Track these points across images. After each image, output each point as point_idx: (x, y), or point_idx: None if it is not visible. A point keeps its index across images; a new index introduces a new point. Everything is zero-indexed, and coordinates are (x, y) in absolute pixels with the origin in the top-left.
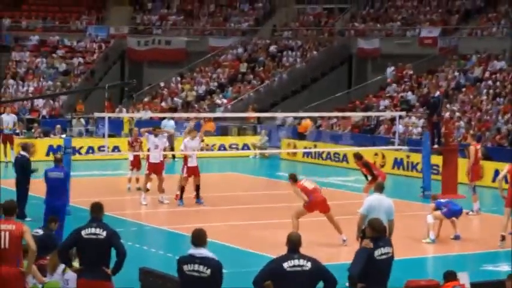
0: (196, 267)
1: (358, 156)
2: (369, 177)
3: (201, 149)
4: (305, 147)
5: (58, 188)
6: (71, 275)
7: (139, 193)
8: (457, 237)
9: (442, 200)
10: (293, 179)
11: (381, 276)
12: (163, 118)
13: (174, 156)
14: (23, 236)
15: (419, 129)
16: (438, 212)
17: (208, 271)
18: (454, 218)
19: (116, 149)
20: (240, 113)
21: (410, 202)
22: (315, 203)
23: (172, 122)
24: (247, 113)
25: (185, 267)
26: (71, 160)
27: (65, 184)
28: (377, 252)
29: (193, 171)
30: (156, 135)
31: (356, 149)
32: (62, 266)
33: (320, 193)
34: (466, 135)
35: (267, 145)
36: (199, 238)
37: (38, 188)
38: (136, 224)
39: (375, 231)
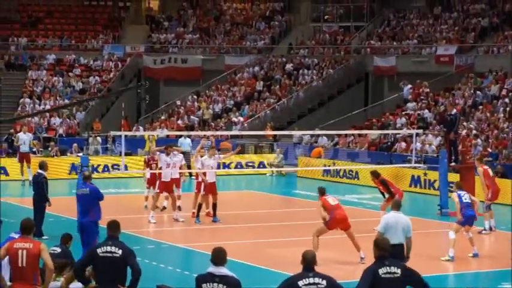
0: (215, 285)
1: (375, 174)
2: (386, 195)
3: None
4: (324, 165)
5: (84, 205)
6: (75, 285)
7: (156, 211)
8: (475, 255)
9: (461, 194)
10: (320, 192)
11: None
12: (180, 136)
13: (190, 174)
14: (40, 254)
15: (433, 147)
16: (455, 224)
17: None
18: (471, 234)
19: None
20: (256, 131)
21: (428, 220)
22: (337, 220)
23: (188, 140)
24: (264, 131)
25: (204, 286)
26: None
27: (93, 201)
28: (381, 271)
29: (211, 188)
30: (168, 154)
31: (373, 166)
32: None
33: (342, 210)
34: (484, 153)
35: (283, 163)
36: (219, 257)
37: (55, 206)
38: (153, 241)
39: (380, 250)
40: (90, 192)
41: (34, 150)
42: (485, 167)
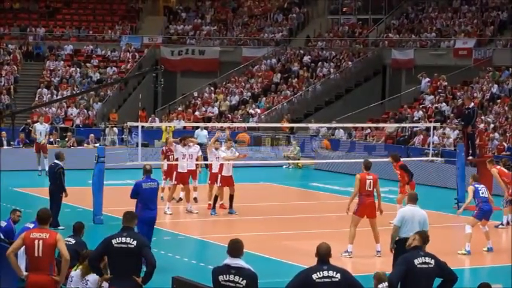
0: (231, 277)
1: (395, 158)
2: (400, 184)
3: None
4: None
5: (153, 199)
6: (92, 276)
7: (172, 202)
8: (490, 250)
9: (479, 188)
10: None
11: (420, 286)
12: (197, 128)
13: (207, 166)
14: (57, 244)
15: (451, 140)
16: (472, 218)
17: (244, 282)
18: (487, 228)
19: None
20: (273, 123)
21: (445, 214)
22: (363, 207)
23: (205, 132)
24: (281, 123)
25: (220, 278)
26: (104, 169)
27: (157, 194)
28: (417, 261)
29: (227, 181)
30: (184, 145)
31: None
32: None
33: (372, 198)
34: (501, 147)
35: (300, 155)
36: (236, 249)
37: (71, 196)
38: (169, 233)
39: (420, 241)
40: (157, 185)
41: (51, 140)
42: (498, 166)
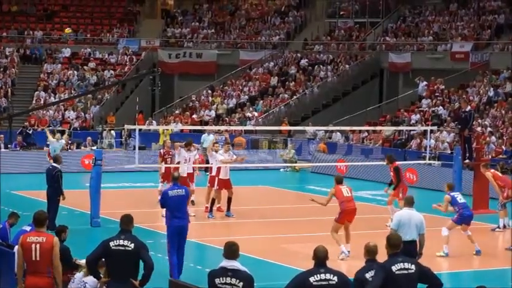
0: (228, 280)
1: (391, 159)
2: (393, 187)
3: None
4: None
5: (181, 207)
6: (90, 279)
7: None
8: (478, 252)
9: (455, 196)
10: (337, 180)
11: None
12: (195, 131)
13: (206, 169)
14: (53, 248)
15: (446, 144)
16: (450, 222)
17: (241, 284)
18: (469, 232)
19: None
20: (270, 126)
21: (441, 217)
22: (345, 213)
23: (212, 137)
24: (278, 126)
25: (217, 281)
26: (101, 172)
27: (186, 202)
28: (395, 268)
29: (225, 184)
30: (188, 150)
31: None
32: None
33: (353, 203)
34: (499, 150)
35: (296, 158)
36: (232, 251)
37: (68, 199)
38: (166, 236)
39: (391, 247)
40: (186, 192)
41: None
42: (492, 170)
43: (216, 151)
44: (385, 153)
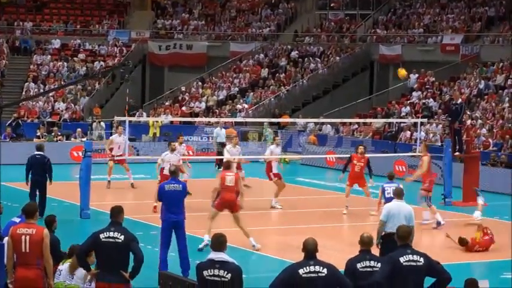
0: (216, 272)
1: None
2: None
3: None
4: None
5: (176, 202)
6: (79, 271)
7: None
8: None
9: (386, 188)
10: (225, 165)
11: (407, 283)
12: (184, 122)
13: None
14: (43, 240)
15: (438, 136)
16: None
17: (229, 276)
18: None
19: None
20: (260, 118)
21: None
22: (222, 201)
23: (224, 131)
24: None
25: (205, 273)
26: (91, 164)
27: (183, 197)
28: (403, 259)
29: None
30: (179, 144)
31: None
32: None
33: (233, 193)
34: (487, 143)
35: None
36: (219, 243)
37: (58, 191)
38: (156, 227)
39: (400, 239)
40: (183, 188)
41: (38, 134)
42: (429, 155)
43: (224, 145)
44: (376, 145)
